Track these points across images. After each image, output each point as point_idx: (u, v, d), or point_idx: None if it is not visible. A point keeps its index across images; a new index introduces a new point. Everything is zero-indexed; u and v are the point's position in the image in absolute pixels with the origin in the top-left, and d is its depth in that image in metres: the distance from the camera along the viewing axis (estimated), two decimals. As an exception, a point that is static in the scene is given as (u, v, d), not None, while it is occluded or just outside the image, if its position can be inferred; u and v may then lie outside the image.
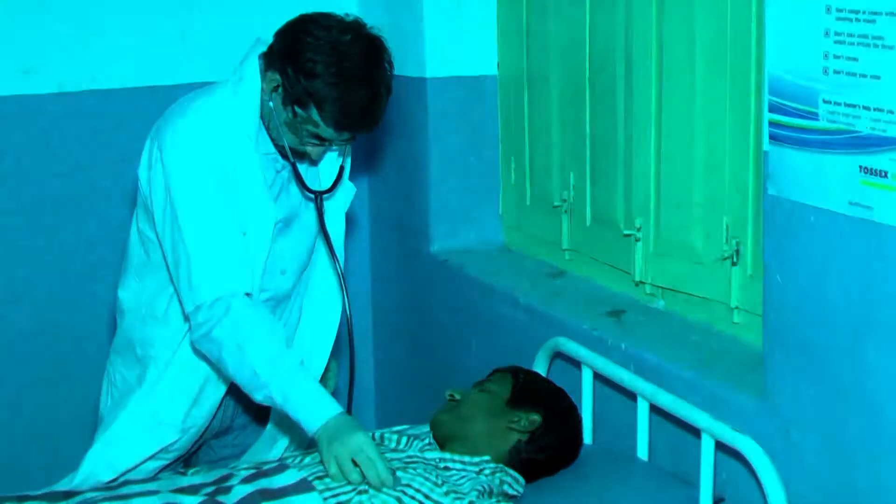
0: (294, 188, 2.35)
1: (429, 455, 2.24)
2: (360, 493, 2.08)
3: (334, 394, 2.46)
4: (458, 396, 2.38)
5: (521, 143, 3.22)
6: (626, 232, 2.71)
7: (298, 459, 2.26)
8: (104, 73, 3.31)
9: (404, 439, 2.36)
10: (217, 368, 2.30)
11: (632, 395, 2.39)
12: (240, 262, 2.22)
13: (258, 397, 2.19)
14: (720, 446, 2.13)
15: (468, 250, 3.31)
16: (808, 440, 2.00)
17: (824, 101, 1.86)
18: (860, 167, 1.80)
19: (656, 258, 2.64)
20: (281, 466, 2.20)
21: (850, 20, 1.78)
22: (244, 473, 2.19)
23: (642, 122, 2.64)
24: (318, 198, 2.32)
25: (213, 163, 2.21)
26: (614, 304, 2.75)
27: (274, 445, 2.51)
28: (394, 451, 2.30)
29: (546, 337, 2.66)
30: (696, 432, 2.19)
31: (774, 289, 2.05)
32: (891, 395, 1.81)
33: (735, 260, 2.38)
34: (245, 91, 2.23)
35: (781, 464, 2.01)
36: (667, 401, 2.23)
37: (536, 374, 2.50)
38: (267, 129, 2.26)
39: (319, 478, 2.12)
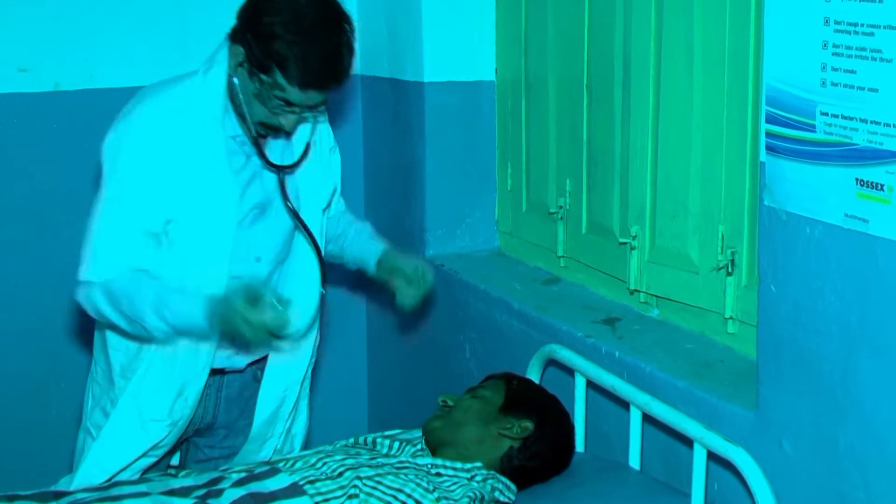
0: (268, 175, 2.36)
1: (420, 461, 2.25)
2: (350, 497, 2.09)
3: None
4: (450, 402, 2.39)
5: (517, 149, 3.22)
6: (622, 240, 2.71)
7: (290, 463, 2.26)
8: (101, 72, 3.31)
9: (396, 444, 2.36)
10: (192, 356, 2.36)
11: (625, 404, 2.38)
12: (130, 254, 2.26)
13: (157, 335, 2.25)
14: (712, 456, 2.13)
15: (463, 255, 3.31)
16: (801, 452, 2.00)
17: (822, 113, 1.85)
18: (857, 180, 1.80)
19: (651, 267, 2.64)
20: (272, 470, 2.21)
21: (849, 33, 1.78)
22: (235, 476, 2.20)
23: (639, 130, 2.64)
24: (280, 173, 2.35)
25: (149, 153, 2.24)
26: (609, 312, 2.74)
27: (263, 446, 2.51)
28: (385, 455, 2.30)
29: (540, 343, 2.66)
30: (688, 442, 2.18)
31: (769, 299, 2.05)
32: (883, 408, 1.81)
33: (730, 270, 2.38)
34: (214, 75, 2.27)
35: (773, 475, 2.01)
36: (660, 410, 2.23)
37: (529, 381, 2.50)
38: (238, 110, 2.28)
39: (311, 482, 2.13)
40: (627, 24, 2.66)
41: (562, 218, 3.00)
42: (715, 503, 2.22)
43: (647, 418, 2.32)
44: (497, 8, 3.26)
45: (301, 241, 2.44)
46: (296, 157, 2.38)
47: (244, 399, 2.53)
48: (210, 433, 2.56)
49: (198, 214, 2.28)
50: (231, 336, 2.26)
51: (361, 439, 2.40)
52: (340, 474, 2.15)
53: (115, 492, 2.16)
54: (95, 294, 2.26)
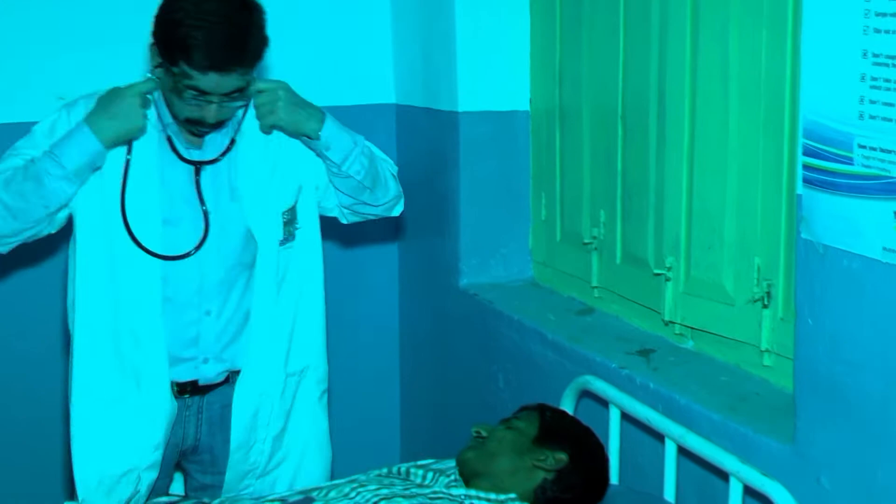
0: (213, 184, 2.40)
1: (454, 491, 2.25)
2: None
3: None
4: (484, 433, 2.38)
5: (552, 179, 3.22)
6: (657, 271, 2.70)
7: (324, 493, 2.27)
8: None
9: (430, 474, 2.36)
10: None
11: (659, 436, 2.37)
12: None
13: (62, 190, 2.30)
14: (748, 490, 2.11)
15: (497, 285, 3.31)
16: (839, 487, 1.98)
17: (860, 146, 1.85)
18: (895, 213, 1.79)
19: (686, 298, 2.63)
20: (306, 500, 2.22)
21: (887, 65, 1.78)
22: None
23: (674, 161, 2.64)
24: (196, 169, 2.38)
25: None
26: (643, 343, 2.73)
27: (249, 453, 2.52)
28: (419, 486, 2.30)
29: (574, 374, 2.65)
30: (724, 475, 2.17)
31: (806, 332, 2.03)
32: (923, 444, 1.80)
33: (766, 302, 2.36)
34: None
35: (811, 510, 1.99)
36: (695, 443, 2.21)
37: (563, 413, 2.50)
38: (169, 112, 2.34)
39: None
40: (662, 53, 2.67)
41: (596, 248, 3.00)
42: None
43: (682, 451, 2.31)
44: (532, 38, 3.27)
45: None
46: (216, 154, 2.41)
47: (228, 420, 2.51)
48: (196, 458, 2.56)
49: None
50: (112, 129, 2.30)
51: (395, 469, 2.40)
52: (374, 504, 2.15)
53: None
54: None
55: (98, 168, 2.32)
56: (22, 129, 2.43)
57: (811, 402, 2.03)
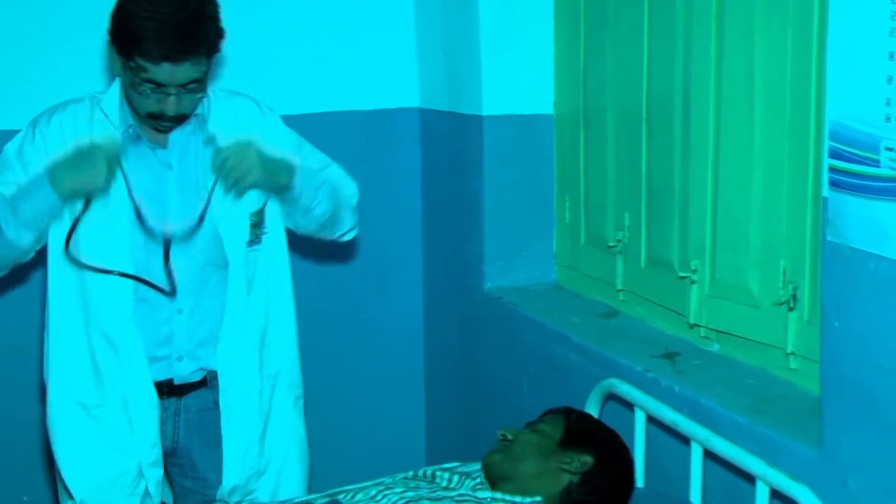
0: (180, 183, 2.43)
1: (480, 494, 2.25)
2: None
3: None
4: (510, 436, 2.39)
5: (576, 182, 3.23)
6: (682, 274, 2.70)
7: (350, 495, 2.28)
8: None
9: (456, 477, 2.36)
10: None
11: (685, 439, 2.37)
12: None
13: (21, 237, 2.35)
14: (775, 494, 2.11)
15: (521, 288, 3.32)
16: (866, 490, 1.97)
17: (886, 149, 1.84)
18: (922, 215, 1.79)
19: (711, 301, 2.63)
20: (333, 502, 2.23)
21: (914, 67, 1.78)
22: None
23: (699, 164, 2.64)
24: (165, 245, 2.40)
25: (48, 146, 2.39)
26: (668, 346, 2.74)
27: (249, 478, 2.53)
28: (445, 489, 2.31)
29: (599, 377, 2.66)
30: (750, 478, 2.17)
31: (833, 335, 2.03)
32: (952, 447, 1.79)
33: (792, 305, 2.36)
34: (114, 83, 2.41)
35: (838, 514, 1.99)
36: (721, 446, 2.22)
37: (589, 416, 2.50)
38: (131, 111, 2.37)
39: None
40: (687, 55, 2.67)
41: (620, 251, 3.00)
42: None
43: (708, 454, 2.31)
44: (556, 41, 3.28)
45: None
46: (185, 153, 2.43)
47: (206, 423, 2.53)
48: (176, 461, 2.58)
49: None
50: (72, 184, 2.31)
51: (420, 472, 2.41)
52: (400, 507, 2.16)
53: None
54: None
55: (56, 217, 2.35)
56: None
57: (838, 405, 2.03)
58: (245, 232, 2.48)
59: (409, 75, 3.66)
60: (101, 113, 2.41)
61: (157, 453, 2.47)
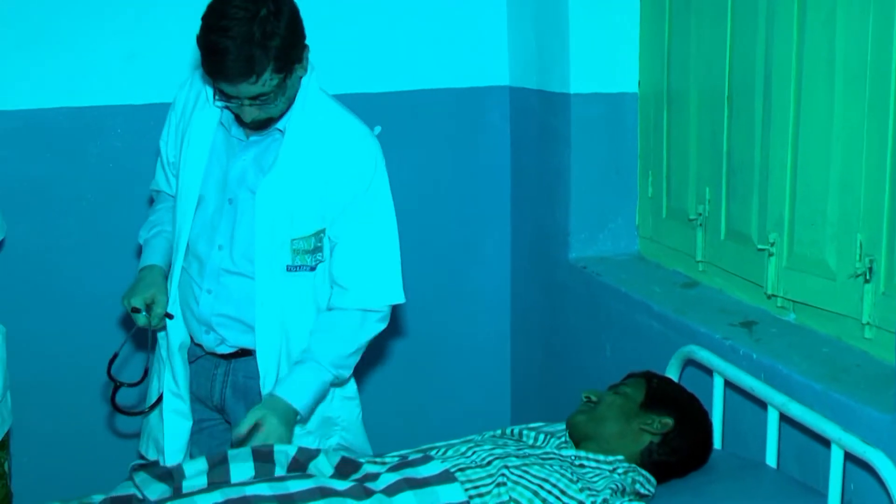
0: (252, 171, 2.44)
1: (565, 452, 2.30)
2: (498, 485, 2.14)
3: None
4: (594, 398, 2.43)
5: (659, 157, 3.25)
6: (760, 246, 2.71)
7: (441, 451, 2.34)
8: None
9: (542, 436, 2.41)
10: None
11: (762, 404, 2.40)
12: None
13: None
14: (849, 458, 2.13)
15: (605, 258, 3.34)
16: (937, 455, 1.99)
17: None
18: None
19: (789, 273, 2.64)
20: (425, 458, 2.26)
21: None
22: (390, 462, 2.28)
23: (779, 140, 2.65)
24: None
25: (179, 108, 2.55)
26: (746, 316, 2.74)
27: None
28: (531, 447, 2.35)
29: (678, 344, 2.69)
30: (825, 442, 2.19)
31: (907, 307, 2.03)
32: None
33: (868, 277, 2.37)
34: None
35: (910, 478, 2.00)
36: (797, 411, 2.24)
37: (669, 380, 2.53)
38: None
39: (461, 469, 2.19)
40: (770, 35, 2.67)
41: (701, 224, 3.02)
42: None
43: (784, 418, 2.33)
44: (641, 22, 3.29)
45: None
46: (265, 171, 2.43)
47: (250, 390, 2.53)
48: (226, 417, 2.61)
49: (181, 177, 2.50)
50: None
51: (508, 430, 2.45)
52: (489, 463, 2.21)
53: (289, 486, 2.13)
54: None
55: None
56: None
57: (911, 373, 2.02)
58: (285, 255, 2.43)
59: (500, 54, 3.67)
60: (205, 94, 2.46)
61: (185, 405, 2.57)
